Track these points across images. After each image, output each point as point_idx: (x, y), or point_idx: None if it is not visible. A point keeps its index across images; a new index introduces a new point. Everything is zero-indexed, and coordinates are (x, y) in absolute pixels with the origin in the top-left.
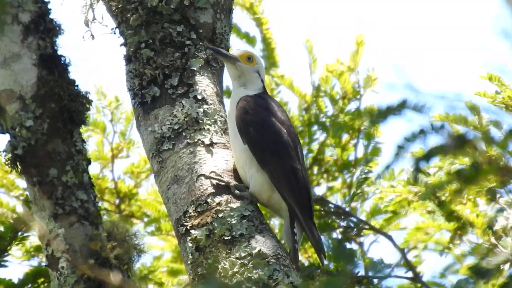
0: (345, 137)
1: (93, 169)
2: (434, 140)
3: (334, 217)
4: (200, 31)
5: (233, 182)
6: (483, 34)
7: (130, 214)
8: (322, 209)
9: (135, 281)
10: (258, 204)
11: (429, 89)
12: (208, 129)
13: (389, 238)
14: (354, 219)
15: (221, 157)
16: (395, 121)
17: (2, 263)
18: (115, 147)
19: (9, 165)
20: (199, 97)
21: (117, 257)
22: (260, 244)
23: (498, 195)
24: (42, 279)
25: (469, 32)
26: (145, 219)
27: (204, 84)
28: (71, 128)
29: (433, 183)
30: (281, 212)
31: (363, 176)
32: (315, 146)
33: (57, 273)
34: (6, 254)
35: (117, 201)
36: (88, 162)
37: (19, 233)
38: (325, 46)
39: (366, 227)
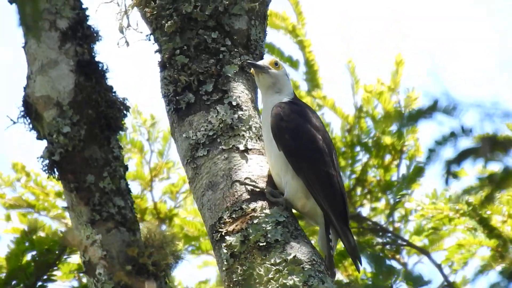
0: (388, 157)
1: (133, 189)
2: (465, 143)
3: (371, 234)
4: (235, 37)
5: (268, 188)
6: None
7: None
8: (359, 226)
9: None
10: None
11: (466, 96)
12: (243, 135)
13: (427, 254)
14: (392, 236)
15: (255, 163)
16: (426, 124)
17: (51, 278)
18: (153, 167)
19: (46, 171)
20: (234, 103)
21: (155, 264)
22: (295, 250)
23: None
24: None
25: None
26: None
27: (238, 90)
28: (108, 134)
29: (475, 202)
30: (316, 218)
31: (400, 194)
32: (358, 167)
33: (94, 279)
34: (55, 268)
35: (157, 222)
36: (125, 168)
37: (67, 248)
38: (365, 66)
39: (405, 244)
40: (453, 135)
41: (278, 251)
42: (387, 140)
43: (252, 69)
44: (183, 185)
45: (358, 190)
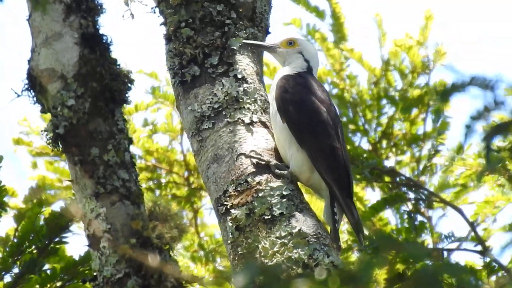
0: (414, 111)
1: (162, 141)
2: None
3: (404, 189)
4: (240, 10)
5: (273, 161)
6: None
7: (199, 187)
8: (393, 180)
9: (177, 261)
10: (299, 183)
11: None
12: (248, 108)
13: (460, 211)
14: (425, 192)
15: (261, 136)
16: (461, 98)
17: (63, 240)
18: None
19: (51, 144)
20: (239, 76)
21: (159, 237)
22: (301, 223)
23: None
24: None
25: None
26: None
27: (244, 63)
28: (113, 107)
29: (504, 157)
30: (321, 192)
31: (434, 149)
32: (384, 120)
33: (99, 252)
34: (67, 231)
35: (186, 174)
36: (130, 141)
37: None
38: (394, 20)
39: (437, 199)
40: (487, 109)
41: (283, 225)
42: (414, 93)
43: (257, 48)
44: None
45: (384, 143)
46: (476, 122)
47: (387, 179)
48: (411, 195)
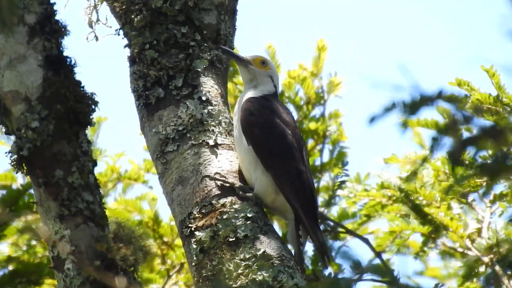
0: (311, 142)
1: None
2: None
3: None
4: (205, 32)
5: (237, 184)
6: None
7: None
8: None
9: (141, 284)
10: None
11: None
12: (213, 130)
13: (366, 241)
14: (331, 222)
15: (225, 158)
16: (427, 111)
17: None
18: None
19: (15, 166)
20: (204, 98)
21: (123, 259)
22: (265, 245)
23: (470, 199)
24: (19, 279)
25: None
26: None
27: (208, 85)
28: (77, 129)
29: (408, 188)
30: (286, 214)
31: (339, 180)
32: None
33: (63, 274)
34: None
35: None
36: (94, 163)
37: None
38: (287, 52)
39: (343, 230)
40: (455, 123)
41: (248, 247)
42: (310, 125)
43: (228, 56)
44: (112, 175)
45: None
46: (442, 136)
47: None
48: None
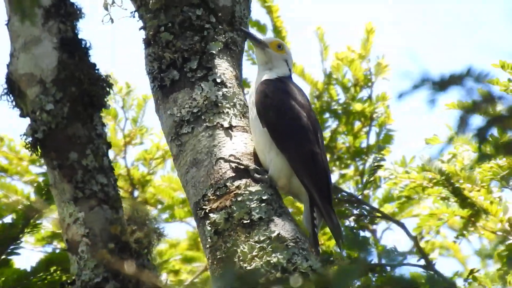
0: (357, 124)
1: None
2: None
3: (347, 205)
4: (219, 14)
5: (252, 166)
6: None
7: (144, 201)
8: (334, 197)
9: (155, 266)
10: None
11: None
12: (227, 112)
13: (402, 225)
14: (367, 207)
15: (240, 140)
16: (456, 91)
17: (15, 251)
18: (127, 134)
19: (30, 149)
20: (218, 80)
21: (137, 241)
22: (279, 227)
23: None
24: (54, 267)
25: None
26: (159, 206)
27: (223, 68)
28: (91, 112)
29: (448, 170)
30: (301, 197)
31: (376, 163)
32: (327, 133)
33: (77, 257)
34: (18, 242)
35: (130, 188)
36: (108, 145)
37: (31, 221)
38: (336, 34)
39: (379, 214)
40: (482, 102)
41: (262, 229)
42: (356, 106)
43: (248, 38)
44: (157, 152)
45: (327, 157)
46: (470, 115)
47: None
48: (354, 211)
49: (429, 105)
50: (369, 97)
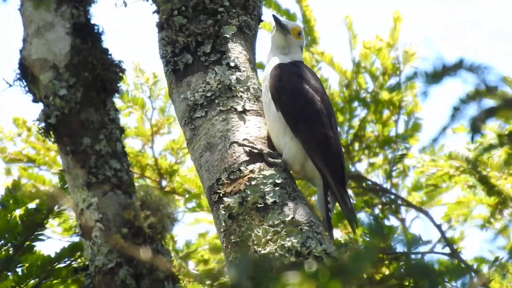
0: (386, 113)
1: (134, 145)
2: (489, 102)
3: (371, 194)
4: None
5: (266, 150)
6: None
7: (172, 191)
8: (359, 186)
9: (169, 251)
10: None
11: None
12: (241, 96)
13: (426, 214)
14: (392, 196)
15: (253, 124)
16: (450, 82)
17: (39, 237)
18: (154, 123)
19: (42, 134)
20: (232, 64)
21: (151, 226)
22: (293, 211)
23: None
24: (79, 253)
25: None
26: (187, 196)
27: (236, 51)
28: (104, 97)
29: (474, 157)
30: (315, 180)
31: (400, 152)
32: (355, 122)
33: (91, 242)
34: (43, 227)
35: (158, 178)
36: (122, 130)
37: (55, 207)
38: (364, 22)
39: (404, 203)
40: (477, 93)
41: (276, 213)
42: (385, 95)
43: (275, 23)
44: (184, 142)
45: (356, 145)
46: (465, 105)
47: (353, 184)
48: (379, 200)
49: (422, 97)
50: (398, 85)
